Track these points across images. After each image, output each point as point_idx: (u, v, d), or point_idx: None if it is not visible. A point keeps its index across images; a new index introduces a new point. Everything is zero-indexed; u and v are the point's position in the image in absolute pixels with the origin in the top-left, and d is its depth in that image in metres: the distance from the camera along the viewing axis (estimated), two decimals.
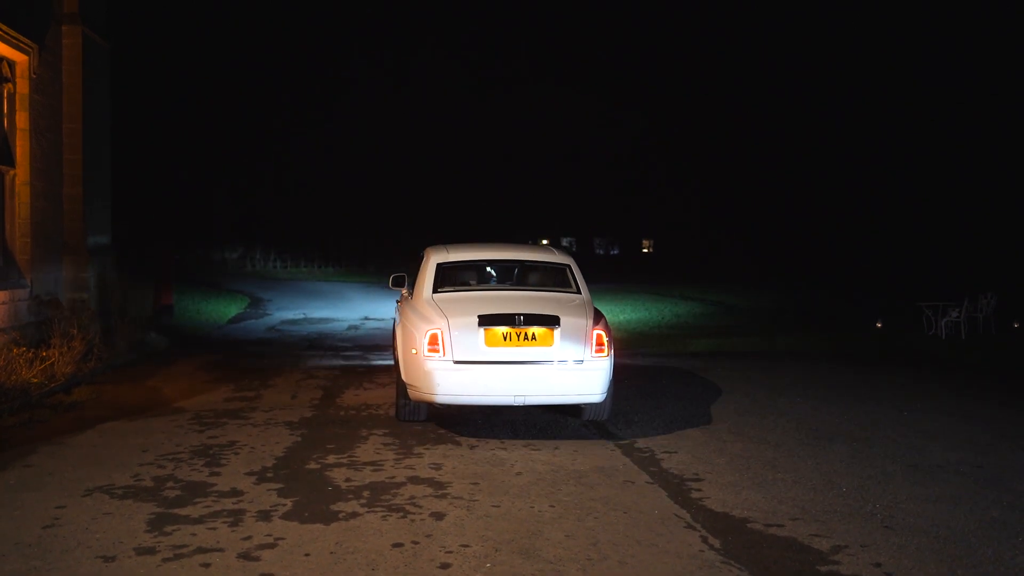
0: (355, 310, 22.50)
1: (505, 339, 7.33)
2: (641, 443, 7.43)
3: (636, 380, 10.67)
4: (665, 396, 9.66)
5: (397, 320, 8.95)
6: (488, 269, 9.32)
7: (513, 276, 9.00)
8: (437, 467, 6.54)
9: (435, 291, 8.06)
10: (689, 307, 23.41)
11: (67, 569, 4.48)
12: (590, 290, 8.43)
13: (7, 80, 10.89)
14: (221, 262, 43.54)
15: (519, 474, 6.40)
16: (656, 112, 51.10)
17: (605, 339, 7.52)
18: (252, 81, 47.73)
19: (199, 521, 5.22)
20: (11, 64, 10.92)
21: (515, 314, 7.37)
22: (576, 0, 56.67)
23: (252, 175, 48.12)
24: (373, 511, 5.46)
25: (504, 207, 50.35)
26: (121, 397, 9.30)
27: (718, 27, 53.04)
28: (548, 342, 7.36)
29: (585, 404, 7.80)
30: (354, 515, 5.38)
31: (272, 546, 4.83)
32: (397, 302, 9.69)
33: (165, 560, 4.60)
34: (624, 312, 21.32)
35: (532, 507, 5.61)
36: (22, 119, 11.10)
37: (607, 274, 35.89)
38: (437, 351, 7.28)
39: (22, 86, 11.08)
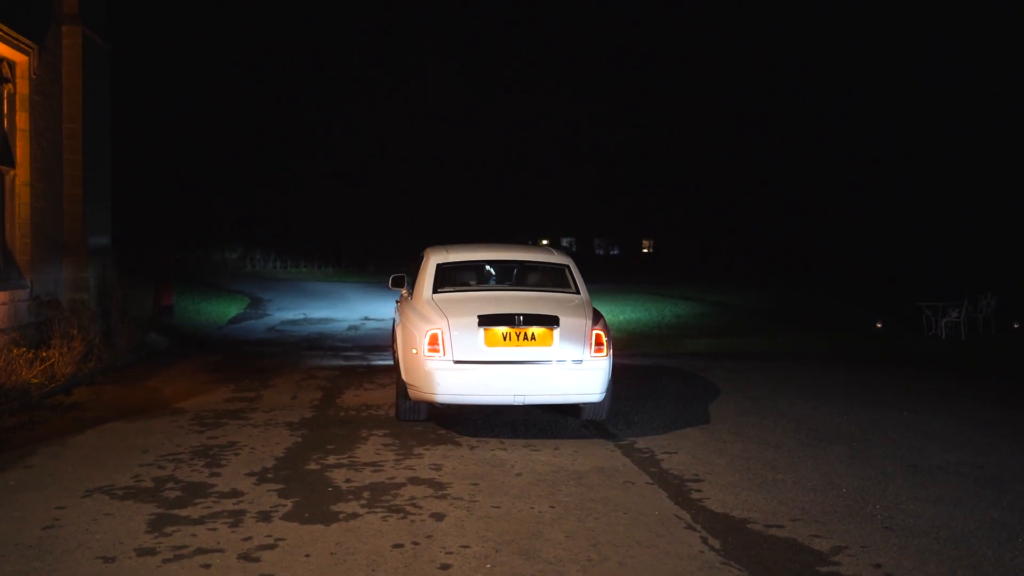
0: (355, 310, 22.51)
1: (505, 339, 7.35)
2: (641, 443, 7.44)
3: (636, 380, 10.67)
4: (665, 396, 9.66)
5: (397, 320, 8.97)
6: (488, 269, 9.33)
7: (512, 276, 9.02)
8: (437, 468, 6.54)
9: (435, 291, 8.08)
10: (689, 307, 23.41)
11: (67, 570, 4.48)
12: (589, 290, 8.46)
13: (7, 81, 10.89)
14: (221, 262, 43.54)
15: (519, 475, 6.40)
16: (656, 112, 51.11)
17: (604, 339, 7.55)
18: (252, 81, 47.75)
19: (199, 522, 5.22)
20: (11, 64, 10.92)
21: (515, 314, 7.40)
22: (576, 0, 56.69)
23: (252, 175, 48.12)
24: (373, 512, 5.46)
25: (504, 207, 50.33)
26: (121, 398, 9.30)
27: (718, 27, 53.03)
28: (547, 342, 7.38)
29: (584, 403, 7.85)
30: (354, 516, 5.38)
31: (272, 547, 4.83)
32: (396, 302, 9.71)
33: (165, 561, 4.60)
34: (624, 312, 21.31)
35: (532, 508, 5.61)
36: (22, 120, 11.10)
37: (607, 274, 35.91)
38: (437, 351, 7.30)
39: (22, 87, 11.08)
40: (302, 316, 20.96)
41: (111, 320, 12.72)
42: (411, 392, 7.65)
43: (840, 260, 40.79)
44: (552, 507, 5.63)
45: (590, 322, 7.58)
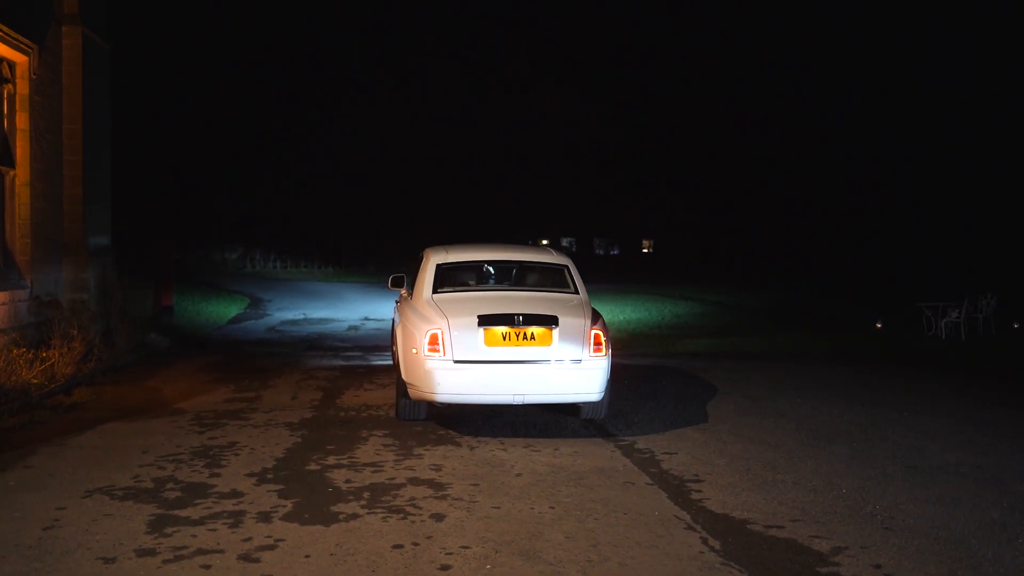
0: (355, 311, 22.50)
1: (504, 339, 7.37)
2: (641, 444, 7.44)
3: (636, 380, 10.67)
4: (665, 397, 9.67)
5: (396, 320, 8.98)
6: (487, 269, 9.35)
7: (512, 276, 9.03)
8: (437, 468, 6.54)
9: (435, 291, 8.10)
10: (689, 307, 23.41)
11: (67, 570, 4.48)
12: (589, 290, 8.50)
13: (7, 81, 10.89)
14: (221, 262, 43.52)
15: (519, 475, 6.40)
16: (656, 112, 51.14)
17: (603, 339, 7.58)
18: (252, 81, 47.76)
19: (199, 522, 5.22)
20: (11, 65, 10.92)
21: (514, 314, 7.43)
22: (576, 0, 56.71)
23: (252, 175, 48.13)
24: (373, 512, 5.46)
25: (504, 207, 50.35)
26: (121, 398, 9.30)
27: (718, 27, 53.07)
28: (547, 342, 7.41)
29: (583, 403, 7.90)
30: (354, 516, 5.38)
31: (272, 547, 4.83)
32: (396, 302, 9.72)
33: (165, 562, 4.60)
34: (624, 312, 21.31)
35: (532, 508, 5.61)
36: (22, 120, 11.10)
37: (607, 274, 35.91)
38: (437, 351, 7.33)
39: (22, 87, 11.08)
40: (302, 316, 20.95)
41: (111, 320, 12.72)
42: (411, 392, 7.67)
43: (840, 260, 40.78)
44: (552, 508, 5.63)
45: (589, 322, 7.61)
